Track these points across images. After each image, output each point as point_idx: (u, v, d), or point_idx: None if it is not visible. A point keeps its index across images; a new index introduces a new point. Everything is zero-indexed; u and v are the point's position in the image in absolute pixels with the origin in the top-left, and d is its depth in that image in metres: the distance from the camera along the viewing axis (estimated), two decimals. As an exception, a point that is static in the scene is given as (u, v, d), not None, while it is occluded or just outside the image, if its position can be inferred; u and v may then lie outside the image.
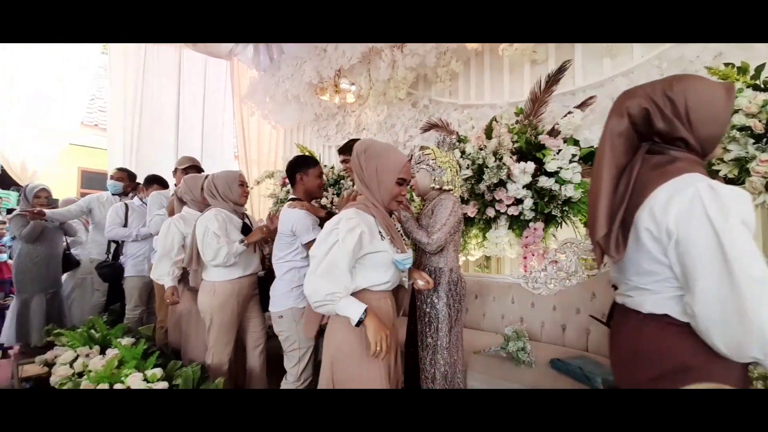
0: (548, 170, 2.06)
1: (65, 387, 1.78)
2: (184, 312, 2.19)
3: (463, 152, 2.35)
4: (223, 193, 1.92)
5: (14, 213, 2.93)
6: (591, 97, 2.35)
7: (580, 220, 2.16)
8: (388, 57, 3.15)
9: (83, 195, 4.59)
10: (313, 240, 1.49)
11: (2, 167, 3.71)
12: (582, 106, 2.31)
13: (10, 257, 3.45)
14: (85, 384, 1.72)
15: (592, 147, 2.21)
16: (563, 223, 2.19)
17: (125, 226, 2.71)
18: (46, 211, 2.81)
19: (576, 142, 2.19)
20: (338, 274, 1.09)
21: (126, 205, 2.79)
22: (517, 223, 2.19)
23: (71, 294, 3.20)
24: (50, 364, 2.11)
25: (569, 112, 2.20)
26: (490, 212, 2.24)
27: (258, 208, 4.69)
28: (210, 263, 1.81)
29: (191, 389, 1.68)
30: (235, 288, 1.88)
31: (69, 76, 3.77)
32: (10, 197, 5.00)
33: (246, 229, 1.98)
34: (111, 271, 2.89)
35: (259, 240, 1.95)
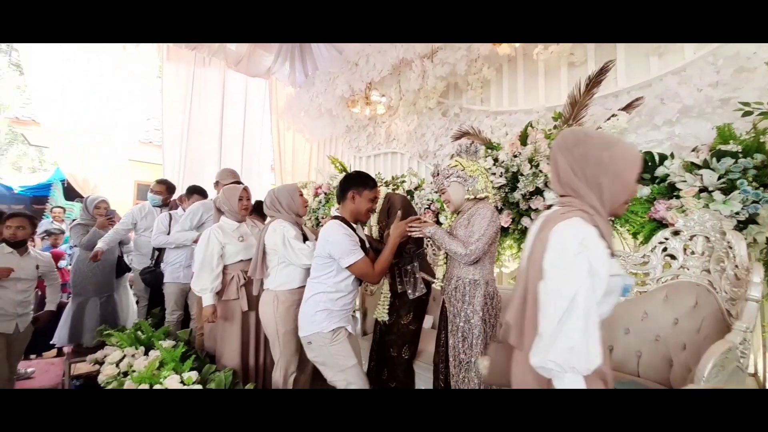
0: (590, 177, 1.92)
1: (111, 386, 1.89)
2: (218, 321, 2.19)
3: (495, 160, 2.27)
4: (287, 205, 1.94)
5: (74, 223, 3.22)
6: (637, 99, 2.18)
7: (628, 230, 1.98)
8: (418, 67, 3.15)
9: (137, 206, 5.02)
10: (355, 262, 1.54)
11: (67, 181, 4.15)
12: (628, 107, 2.15)
13: (68, 264, 3.79)
14: (128, 383, 1.82)
15: (639, 151, 2.04)
16: (609, 234, 2.02)
17: (168, 234, 2.88)
18: (99, 244, 2.93)
19: (621, 147, 2.03)
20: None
21: (170, 215, 2.96)
22: (556, 234, 2.05)
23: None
24: (100, 363, 2.26)
25: (613, 115, 2.05)
26: (526, 222, 2.12)
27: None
28: (304, 266, 1.83)
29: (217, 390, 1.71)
30: (296, 297, 1.84)
31: (128, 98, 4.17)
32: (74, 208, 5.58)
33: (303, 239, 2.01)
34: (152, 277, 3.05)
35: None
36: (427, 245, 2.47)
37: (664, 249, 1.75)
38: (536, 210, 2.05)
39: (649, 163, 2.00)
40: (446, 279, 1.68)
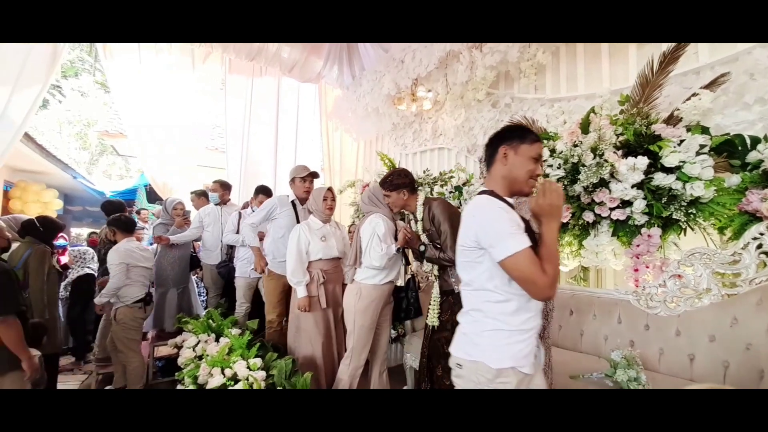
0: (666, 165, 1.73)
1: (188, 367, 2.12)
2: (297, 315, 2.30)
3: (552, 151, 2.13)
4: (381, 201, 2.07)
5: (156, 222, 3.66)
6: (723, 75, 1.91)
7: (713, 225, 1.75)
8: (466, 59, 3.07)
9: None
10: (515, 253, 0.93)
11: (150, 186, 4.71)
12: (711, 85, 1.89)
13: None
14: (203, 366, 2.03)
15: (727, 134, 1.79)
16: (688, 228, 1.80)
17: (237, 232, 3.11)
18: (172, 238, 3.35)
19: (705, 130, 1.80)
20: None
21: (239, 215, 3.21)
22: (624, 229, 1.88)
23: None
24: (179, 347, 2.55)
25: (694, 94, 1.82)
26: (588, 217, 1.97)
27: (340, 217, 5.00)
28: (372, 267, 1.95)
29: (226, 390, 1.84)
30: (378, 293, 1.98)
31: (197, 110, 4.62)
32: (156, 209, 6.32)
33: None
34: (226, 271, 3.39)
35: (404, 246, 2.03)
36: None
37: (759, 245, 1.53)
38: (601, 203, 1.89)
39: (740, 148, 1.75)
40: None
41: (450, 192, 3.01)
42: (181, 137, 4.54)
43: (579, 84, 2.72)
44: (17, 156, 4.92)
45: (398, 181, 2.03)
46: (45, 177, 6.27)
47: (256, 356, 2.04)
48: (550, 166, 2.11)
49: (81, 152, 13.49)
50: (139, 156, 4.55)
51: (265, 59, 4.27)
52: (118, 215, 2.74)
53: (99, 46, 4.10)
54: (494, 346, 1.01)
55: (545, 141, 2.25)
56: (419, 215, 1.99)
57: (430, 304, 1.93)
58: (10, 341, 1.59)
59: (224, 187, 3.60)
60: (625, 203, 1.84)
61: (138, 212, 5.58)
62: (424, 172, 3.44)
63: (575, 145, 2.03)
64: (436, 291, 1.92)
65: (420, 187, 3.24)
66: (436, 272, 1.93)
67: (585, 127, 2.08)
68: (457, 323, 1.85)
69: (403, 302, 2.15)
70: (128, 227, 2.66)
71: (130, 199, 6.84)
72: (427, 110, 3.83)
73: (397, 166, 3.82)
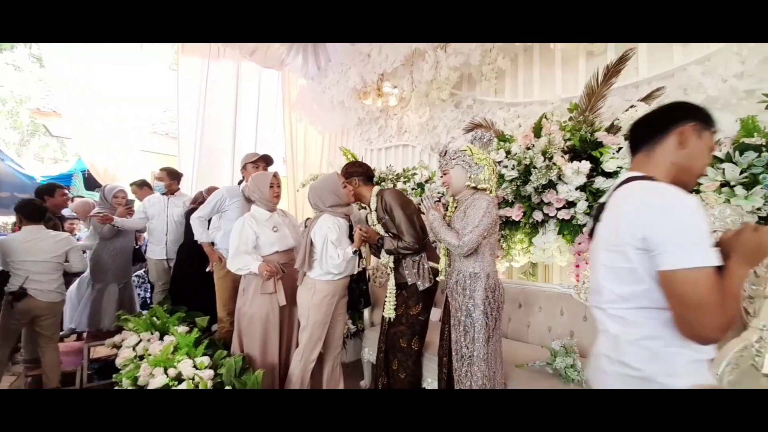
0: (606, 170, 1.87)
1: (127, 368, 1.97)
2: (256, 315, 2.03)
3: (508, 152, 2.23)
4: (333, 202, 1.92)
5: (93, 212, 3.30)
6: (659, 89, 2.11)
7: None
8: (431, 58, 3.11)
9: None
10: (700, 271, 0.68)
11: (88, 171, 4.29)
12: (648, 98, 2.07)
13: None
14: (144, 366, 1.89)
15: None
16: (623, 229, 1.97)
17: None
18: (116, 219, 3.03)
19: (639, 139, 1.97)
20: None
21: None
22: (568, 228, 2.01)
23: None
24: (118, 347, 2.36)
25: (632, 106, 1.98)
26: (538, 216, 2.08)
27: (302, 212, 4.88)
28: (331, 271, 1.87)
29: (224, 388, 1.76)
30: (333, 288, 1.91)
31: (144, 91, 4.26)
32: (95, 198, 5.76)
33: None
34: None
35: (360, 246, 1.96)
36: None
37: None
38: (549, 204, 2.01)
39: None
40: (447, 273, 1.68)
41: (412, 188, 3.05)
42: (124, 119, 4.17)
43: (534, 89, 2.87)
44: None
45: (351, 169, 2.08)
46: (-40, 158, 5.49)
47: (204, 354, 1.94)
48: (506, 167, 2.20)
49: (11, 132, 11.94)
50: (75, 138, 4.12)
51: (224, 42, 4.04)
52: (27, 200, 2.44)
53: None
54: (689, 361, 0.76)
55: (502, 143, 2.35)
56: (373, 206, 2.01)
57: (386, 297, 1.95)
58: None
59: (172, 175, 3.26)
60: (570, 204, 1.97)
61: (73, 200, 5.06)
62: (388, 167, 3.45)
63: (528, 148, 2.14)
64: (391, 283, 1.95)
65: (383, 183, 3.25)
66: (391, 264, 1.95)
67: (537, 131, 2.19)
68: (410, 317, 1.93)
69: (354, 293, 2.14)
70: (36, 216, 2.36)
71: (65, 186, 6.19)
72: (393, 106, 3.85)
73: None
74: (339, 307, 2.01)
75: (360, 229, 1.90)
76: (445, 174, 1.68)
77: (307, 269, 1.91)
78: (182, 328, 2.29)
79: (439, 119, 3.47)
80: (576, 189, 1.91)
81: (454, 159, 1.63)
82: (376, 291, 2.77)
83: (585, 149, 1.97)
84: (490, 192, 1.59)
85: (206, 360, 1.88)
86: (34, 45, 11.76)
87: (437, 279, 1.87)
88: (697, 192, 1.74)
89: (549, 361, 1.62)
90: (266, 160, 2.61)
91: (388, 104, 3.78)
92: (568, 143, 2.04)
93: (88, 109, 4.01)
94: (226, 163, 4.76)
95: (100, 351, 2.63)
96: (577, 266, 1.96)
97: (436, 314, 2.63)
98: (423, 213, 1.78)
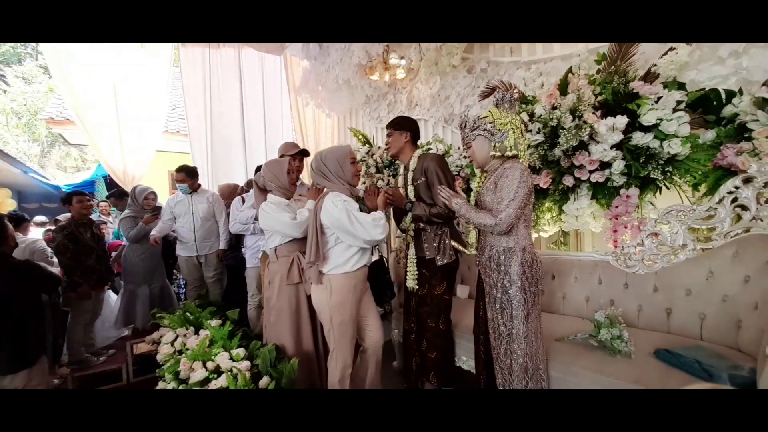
0: (644, 124, 1.70)
1: (168, 363, 2.03)
2: (285, 307, 1.97)
3: (531, 115, 2.07)
4: (336, 172, 1.69)
5: (123, 215, 3.35)
6: (700, 27, 1.87)
7: (688, 182, 1.77)
8: (438, 21, 2.90)
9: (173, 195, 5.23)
10: None
11: (109, 176, 4.36)
12: (688, 39, 1.85)
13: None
14: (183, 361, 1.94)
15: (702, 89, 1.78)
16: (664, 187, 1.82)
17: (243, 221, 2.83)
18: (153, 233, 3.13)
19: (681, 86, 1.78)
20: None
21: (242, 199, 2.91)
22: (603, 191, 1.87)
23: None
24: (157, 343, 2.43)
25: (671, 48, 1.77)
26: (568, 181, 1.95)
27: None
28: (368, 242, 1.61)
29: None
30: (351, 282, 1.68)
31: (147, 90, 4.23)
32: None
33: None
34: (235, 261, 3.19)
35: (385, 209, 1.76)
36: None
37: (734, 199, 1.55)
38: (580, 166, 1.86)
39: (715, 103, 1.74)
40: (479, 248, 1.60)
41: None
42: (135, 121, 4.17)
43: (555, 44, 2.64)
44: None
45: (405, 122, 1.98)
46: (-10, 173, 5.72)
47: (239, 346, 1.97)
48: (530, 131, 2.05)
49: (31, 145, 12.36)
50: (91, 144, 4.17)
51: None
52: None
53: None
54: None
55: (524, 105, 2.19)
56: (411, 166, 1.91)
57: (407, 269, 1.89)
58: None
59: (190, 174, 3.25)
60: (604, 165, 1.82)
61: (98, 205, 5.20)
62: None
63: (554, 108, 1.98)
64: (411, 253, 1.89)
65: (397, 161, 3.14)
66: (411, 233, 1.89)
67: (563, 88, 2.02)
68: (435, 296, 1.86)
69: (376, 285, 1.97)
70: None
71: (89, 192, 6.39)
72: (401, 79, 3.66)
73: (371, 141, 3.68)
74: (365, 301, 1.82)
75: (386, 192, 1.76)
76: (468, 147, 1.56)
77: (320, 262, 1.67)
78: (215, 322, 2.33)
79: (452, 88, 3.28)
80: (611, 148, 1.76)
81: (474, 129, 1.50)
82: (400, 272, 2.73)
83: (619, 103, 1.79)
84: (521, 158, 1.47)
85: (242, 351, 1.90)
86: (40, 56, 11.93)
87: (459, 255, 1.79)
88: (749, 139, 1.57)
89: (592, 333, 1.54)
90: (304, 155, 2.54)
91: (396, 78, 3.60)
92: (599, 98, 1.86)
93: (99, 114, 4.03)
94: (238, 154, 4.74)
95: (142, 347, 2.73)
96: (615, 231, 1.84)
97: (463, 291, 2.59)
98: (447, 197, 1.60)
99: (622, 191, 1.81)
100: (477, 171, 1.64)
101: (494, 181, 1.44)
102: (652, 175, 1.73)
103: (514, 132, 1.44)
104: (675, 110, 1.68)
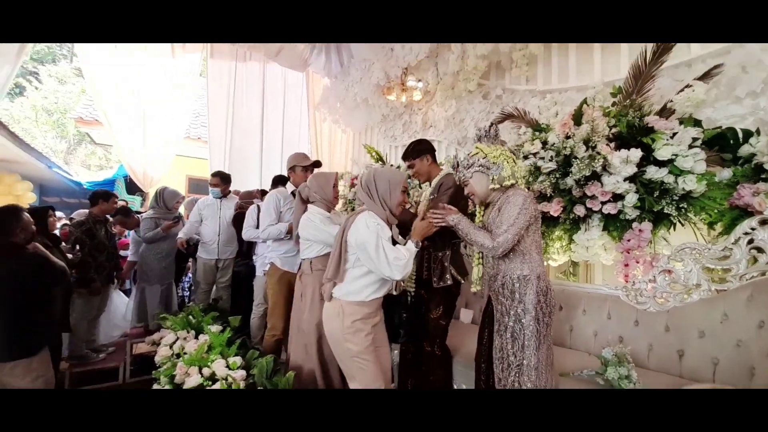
0: (659, 158, 1.69)
1: (165, 366, 2.02)
2: (317, 321, 1.81)
3: (545, 143, 2.08)
4: (385, 198, 1.55)
5: (145, 215, 3.42)
6: (716, 66, 1.88)
7: (703, 220, 1.73)
8: (457, 48, 2.98)
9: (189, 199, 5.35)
10: None
11: (129, 176, 4.51)
12: (704, 77, 1.86)
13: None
14: (180, 365, 1.93)
15: (718, 128, 1.77)
16: (678, 223, 1.78)
17: (257, 227, 2.76)
18: (180, 235, 3.23)
19: (697, 123, 1.77)
20: None
21: (258, 207, 2.87)
22: (615, 224, 1.85)
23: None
24: (157, 344, 2.44)
25: (688, 86, 1.78)
26: (580, 210, 1.93)
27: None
28: (385, 277, 1.46)
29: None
30: (364, 310, 1.51)
31: (173, 97, 4.41)
32: (135, 201, 6.08)
33: None
34: (245, 269, 3.18)
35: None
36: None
37: (750, 241, 1.51)
38: (592, 197, 1.85)
39: (732, 141, 1.73)
40: (490, 275, 1.56)
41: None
42: (159, 126, 4.34)
43: (570, 75, 2.68)
44: (-14, 144, 4.63)
45: (420, 147, 1.96)
46: (19, 166, 5.95)
47: (236, 354, 1.95)
48: (542, 158, 2.06)
49: (59, 141, 12.92)
50: (116, 145, 4.34)
51: (248, 43, 4.10)
52: None
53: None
54: None
55: (537, 133, 2.21)
56: (434, 184, 1.91)
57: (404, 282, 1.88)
58: None
59: (224, 179, 3.39)
60: (617, 197, 1.81)
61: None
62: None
63: (567, 137, 1.98)
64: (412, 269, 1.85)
65: (410, 180, 3.17)
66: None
67: (578, 118, 2.03)
68: (431, 320, 1.76)
69: (393, 321, 1.80)
70: None
71: (110, 190, 6.59)
72: (417, 101, 3.75)
73: (384, 159, 3.73)
74: (379, 333, 1.59)
75: (433, 213, 1.55)
76: (466, 185, 1.55)
77: (339, 280, 1.53)
78: (216, 328, 2.33)
79: (466, 112, 3.33)
80: (624, 180, 1.75)
81: (469, 167, 1.50)
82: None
83: (634, 136, 1.79)
84: (519, 184, 1.47)
85: (239, 360, 1.89)
86: (75, 59, 12.63)
87: (462, 280, 1.75)
88: (766, 180, 1.55)
89: (599, 370, 1.48)
90: (316, 166, 2.55)
91: (413, 99, 3.69)
92: (614, 130, 1.87)
93: (125, 116, 4.21)
94: (254, 164, 4.85)
95: (141, 348, 2.73)
96: (626, 265, 1.80)
97: (466, 316, 2.54)
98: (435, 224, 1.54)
99: (634, 225, 1.78)
100: (477, 207, 1.61)
101: (498, 208, 1.44)
102: (666, 211, 1.71)
103: (508, 162, 1.45)
104: (691, 146, 1.67)
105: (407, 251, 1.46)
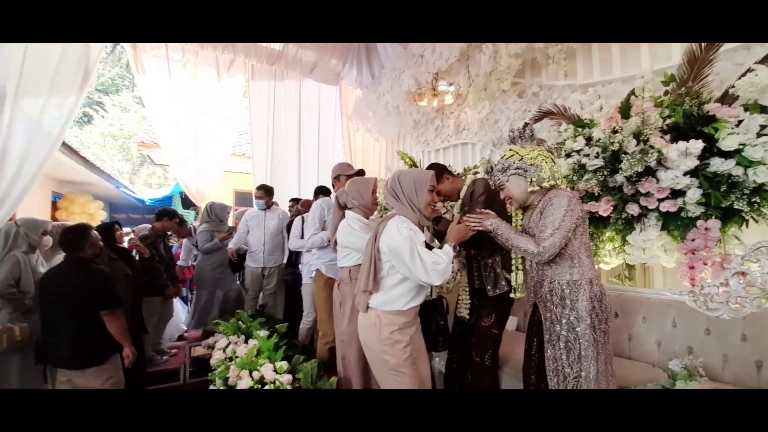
0: (723, 149, 1.53)
1: (219, 369, 2.15)
2: (353, 334, 1.73)
3: (589, 138, 1.97)
4: (412, 200, 1.51)
5: (202, 228, 3.71)
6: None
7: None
8: (489, 48, 2.93)
9: (236, 211, 5.72)
10: None
11: (184, 193, 4.91)
12: (766, 60, 1.66)
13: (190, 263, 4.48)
14: (233, 368, 2.05)
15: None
16: (751, 219, 1.59)
17: (302, 237, 2.88)
18: (231, 246, 3.54)
19: (764, 109, 1.58)
20: None
21: (302, 219, 3.01)
22: (676, 222, 1.69)
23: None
24: (212, 348, 2.60)
25: (750, 70, 1.60)
26: (633, 209, 1.79)
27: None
28: (424, 283, 1.40)
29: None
30: (402, 320, 1.44)
31: (220, 118, 4.76)
32: (189, 215, 6.60)
33: None
34: (292, 278, 3.35)
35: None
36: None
37: None
38: (647, 194, 1.71)
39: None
40: (535, 281, 1.49)
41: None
42: (208, 145, 4.69)
43: (615, 66, 2.52)
44: (65, 169, 5.29)
45: (435, 170, 1.95)
46: (91, 187, 6.72)
47: (283, 358, 2.03)
48: (587, 155, 1.94)
49: (124, 163, 14.44)
50: (172, 164, 4.75)
51: (286, 63, 4.32)
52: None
53: (132, 61, 4.30)
54: None
55: (580, 129, 2.09)
56: (462, 193, 1.89)
57: (459, 298, 1.84)
58: (117, 330, 1.95)
59: (268, 192, 3.67)
60: (676, 193, 1.66)
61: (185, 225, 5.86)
62: (449, 167, 3.33)
63: (615, 132, 1.86)
64: (464, 280, 1.84)
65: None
66: (462, 259, 1.84)
67: (625, 111, 1.90)
68: (482, 328, 1.75)
69: (431, 328, 1.66)
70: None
71: (168, 206, 7.23)
72: (449, 105, 3.71)
73: (417, 164, 3.73)
74: (417, 343, 1.50)
75: (469, 217, 1.49)
76: (502, 189, 1.49)
77: (374, 290, 1.46)
78: (263, 332, 2.44)
79: (501, 112, 3.24)
80: (684, 174, 1.60)
81: (504, 171, 1.44)
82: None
83: (692, 126, 1.64)
84: (566, 185, 1.40)
85: (285, 364, 1.97)
86: (136, 88, 14.09)
87: (515, 294, 1.65)
88: None
89: (667, 384, 1.35)
90: (360, 175, 2.55)
91: (444, 103, 3.66)
92: (668, 121, 1.72)
93: (179, 138, 4.60)
94: (293, 176, 5.08)
95: (198, 351, 2.94)
96: (692, 267, 1.63)
97: (510, 323, 2.43)
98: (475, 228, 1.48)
99: (699, 223, 1.62)
100: (514, 212, 1.55)
101: (540, 211, 1.38)
102: (736, 206, 1.53)
103: (546, 162, 1.38)
104: (759, 135, 1.49)
105: (445, 254, 1.38)
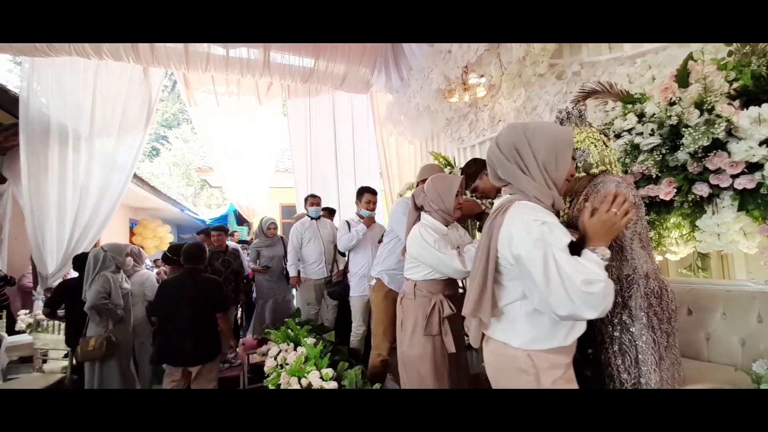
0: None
1: (272, 376, 2.26)
2: (418, 360, 1.62)
3: (641, 115, 1.76)
4: (435, 201, 1.57)
5: (252, 245, 4.01)
6: None
7: None
8: (519, 33, 2.77)
9: (283, 224, 6.05)
10: None
11: (237, 211, 5.30)
12: None
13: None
14: (283, 375, 2.14)
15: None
16: None
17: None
18: (290, 270, 3.57)
19: None
20: None
21: (348, 222, 2.98)
22: (756, 200, 1.44)
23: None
24: (265, 355, 2.75)
25: None
26: (701, 190, 1.56)
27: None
28: (581, 316, 0.83)
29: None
30: (564, 360, 0.99)
31: (263, 138, 5.09)
32: (243, 231, 7.10)
33: None
34: (340, 289, 3.15)
35: None
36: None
37: None
38: (718, 171, 1.48)
39: None
40: None
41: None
42: (255, 164, 5.04)
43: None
44: (138, 197, 6.01)
45: (470, 170, 1.93)
46: (160, 212, 7.56)
47: (329, 366, 2.08)
48: (640, 134, 1.74)
49: (187, 188, 16.06)
50: (224, 185, 5.17)
51: (317, 78, 4.48)
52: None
53: (185, 96, 4.77)
54: None
55: (630, 105, 1.89)
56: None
57: None
58: (227, 328, 2.60)
59: (319, 201, 3.79)
60: (753, 167, 1.41)
61: (232, 234, 6.35)
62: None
63: (672, 103, 1.65)
64: None
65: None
66: None
67: (683, 79, 1.67)
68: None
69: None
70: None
71: (224, 224, 7.86)
72: (482, 98, 3.57)
73: (453, 163, 3.63)
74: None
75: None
76: None
77: (487, 319, 1.01)
78: (311, 340, 2.53)
79: (539, 97, 3.04)
80: (760, 144, 1.36)
81: None
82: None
83: (764, 88, 1.40)
84: (619, 170, 1.26)
85: (330, 371, 2.01)
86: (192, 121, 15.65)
87: None
88: None
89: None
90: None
91: (476, 97, 3.52)
92: (735, 85, 1.49)
93: (229, 161, 5.00)
94: (332, 186, 5.25)
95: (255, 358, 3.13)
96: (781, 252, 1.38)
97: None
98: None
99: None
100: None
101: (584, 198, 1.25)
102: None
103: (596, 146, 1.25)
104: None
105: (598, 266, 0.86)
